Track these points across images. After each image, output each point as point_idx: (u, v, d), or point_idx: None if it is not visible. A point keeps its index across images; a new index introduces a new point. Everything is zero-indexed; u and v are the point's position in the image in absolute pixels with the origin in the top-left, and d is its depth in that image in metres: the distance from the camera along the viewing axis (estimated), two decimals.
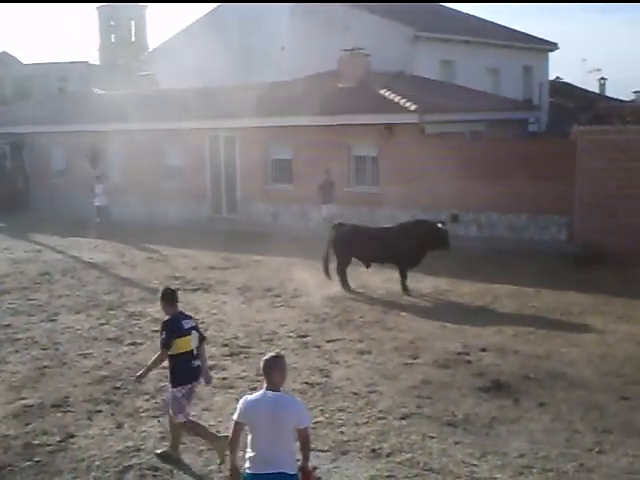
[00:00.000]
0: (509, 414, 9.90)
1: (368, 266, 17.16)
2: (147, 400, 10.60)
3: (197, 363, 8.83)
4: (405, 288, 16.51)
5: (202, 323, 14.29)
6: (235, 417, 6.50)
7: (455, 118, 24.51)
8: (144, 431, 9.61)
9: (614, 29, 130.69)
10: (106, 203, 26.85)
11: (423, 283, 17.02)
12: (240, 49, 32.30)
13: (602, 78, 45.14)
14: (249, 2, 32.76)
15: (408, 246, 16.38)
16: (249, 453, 6.44)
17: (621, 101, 40.99)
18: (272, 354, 6.71)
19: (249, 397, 6.57)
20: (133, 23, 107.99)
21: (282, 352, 11.70)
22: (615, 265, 17.31)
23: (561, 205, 20.51)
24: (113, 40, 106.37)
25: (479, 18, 37.39)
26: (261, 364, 6.55)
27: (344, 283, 16.87)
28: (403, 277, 16.62)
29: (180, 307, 9.13)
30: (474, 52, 31.82)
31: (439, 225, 16.67)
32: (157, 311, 15.10)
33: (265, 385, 6.50)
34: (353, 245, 16.88)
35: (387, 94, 24.47)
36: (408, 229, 16.85)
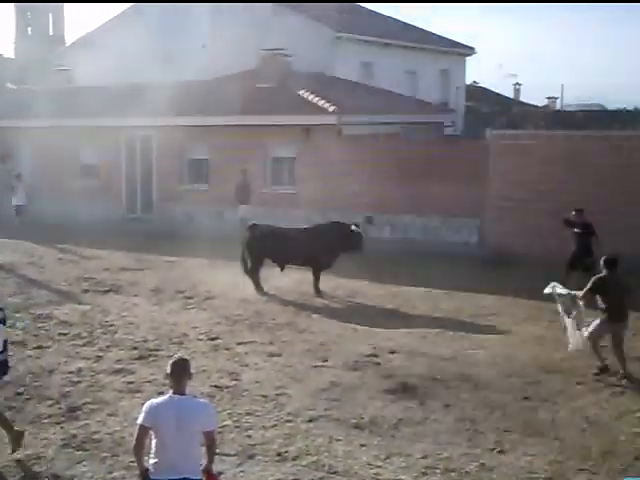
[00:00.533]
0: (415, 416, 10.03)
1: (282, 268, 17.11)
2: (50, 406, 10.37)
3: (3, 357, 8.82)
4: (317, 290, 16.56)
5: (112, 326, 14.17)
6: (139, 421, 6.41)
7: (373, 120, 24.69)
8: (45, 438, 9.39)
9: (531, 36, 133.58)
10: (24, 202, 26.13)
11: (335, 285, 17.10)
12: (160, 46, 31.90)
13: (517, 83, 46.27)
14: (170, 2, 32.39)
15: (321, 248, 16.40)
16: (152, 459, 6.38)
17: (535, 106, 42.01)
18: (178, 357, 6.69)
19: (154, 401, 6.50)
20: (51, 16, 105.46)
21: (191, 355, 11.72)
22: (523, 267, 17.67)
23: (473, 208, 20.85)
24: (30, 33, 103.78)
25: (399, 21, 37.72)
26: (167, 367, 6.50)
27: (257, 285, 16.81)
28: (316, 279, 16.65)
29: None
30: (393, 54, 32.13)
31: (353, 227, 16.75)
32: (65, 313, 14.93)
33: (172, 388, 6.45)
34: (267, 246, 16.78)
35: (306, 95, 24.52)
36: (322, 231, 16.89)
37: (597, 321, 11.56)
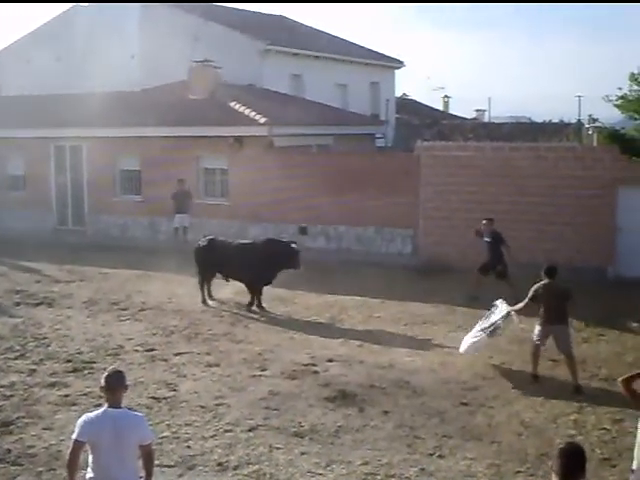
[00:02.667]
0: (354, 423, 10.11)
1: (227, 280, 17.06)
2: None
3: None
4: (259, 305, 16.31)
5: (45, 338, 13.92)
6: (74, 436, 6.28)
7: (304, 132, 24.81)
8: None
9: (460, 50, 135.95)
10: None
11: (271, 295, 17.06)
12: (89, 56, 31.51)
13: (446, 96, 46.90)
14: (98, 2, 32.02)
15: (260, 264, 16.20)
16: (89, 474, 6.28)
17: (463, 119, 42.70)
18: (113, 369, 6.63)
19: (90, 415, 6.40)
20: None
21: (127, 367, 11.60)
22: (457, 276, 17.93)
23: (406, 218, 21.09)
24: None
25: (327, 34, 38.01)
26: (102, 380, 6.41)
27: (202, 296, 16.73)
28: (257, 294, 16.41)
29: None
30: (323, 67, 32.33)
31: (292, 245, 16.68)
32: None
33: (107, 402, 6.35)
34: (211, 259, 16.74)
35: (237, 107, 24.51)
36: (261, 247, 16.71)
37: (537, 328, 11.81)
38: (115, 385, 6.35)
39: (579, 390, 11.34)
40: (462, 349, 12.63)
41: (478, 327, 12.52)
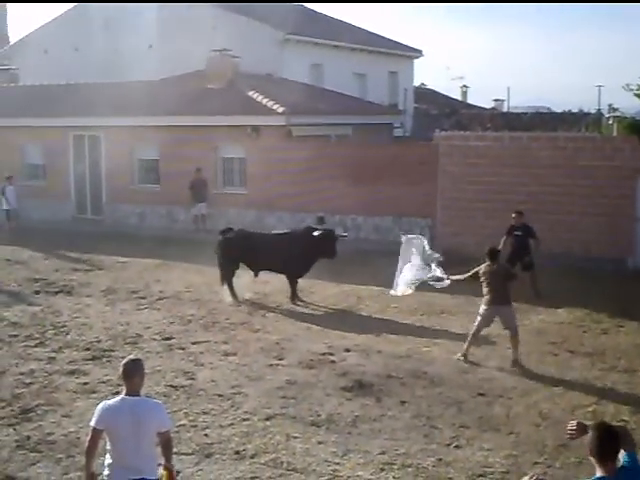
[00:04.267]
0: (371, 413, 10.10)
1: (256, 274, 16.46)
2: (3, 408, 10.20)
3: None
4: (295, 296, 15.99)
5: (64, 327, 13.99)
6: (93, 423, 6.32)
7: (322, 121, 24.76)
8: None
9: (479, 40, 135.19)
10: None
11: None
12: (107, 46, 31.57)
13: (464, 86, 46.72)
14: (114, 2, 32.06)
15: (302, 253, 15.84)
16: (108, 460, 6.33)
17: (482, 108, 42.52)
18: (131, 358, 6.64)
19: (108, 402, 6.43)
20: None
21: (145, 355, 11.66)
22: (475, 266, 17.77)
23: (424, 208, 21.05)
24: None
25: (347, 23, 37.91)
26: (120, 368, 6.43)
27: (231, 291, 15.98)
28: (293, 285, 16.06)
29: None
30: (342, 56, 32.28)
31: (334, 232, 16.44)
32: (15, 315, 14.69)
33: (125, 390, 6.37)
34: (241, 252, 16.05)
35: (255, 96, 24.49)
36: (301, 236, 16.23)
37: (482, 308, 12.23)
38: (133, 373, 6.35)
39: (516, 363, 11.89)
40: (395, 292, 13.32)
41: (410, 268, 13.18)
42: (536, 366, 12.00)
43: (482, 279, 12.24)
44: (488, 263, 12.28)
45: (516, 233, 16.36)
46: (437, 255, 13.24)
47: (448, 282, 12.84)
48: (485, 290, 12.19)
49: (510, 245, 16.27)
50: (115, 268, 19.33)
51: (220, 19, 29.92)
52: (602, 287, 15.76)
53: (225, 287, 16.08)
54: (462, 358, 12.24)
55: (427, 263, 13.11)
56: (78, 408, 10.19)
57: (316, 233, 16.04)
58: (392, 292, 13.50)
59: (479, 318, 12.25)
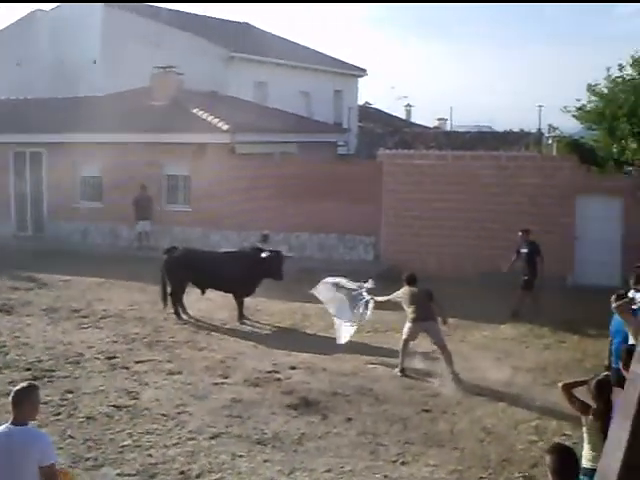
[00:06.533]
0: (317, 430, 10.10)
1: (203, 292, 16.36)
2: None
3: None
4: (241, 316, 15.87)
5: (3, 346, 13.72)
6: None
7: (266, 139, 24.81)
8: None
9: (422, 59, 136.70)
10: None
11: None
12: (51, 61, 31.24)
13: (408, 105, 47.17)
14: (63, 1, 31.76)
15: (249, 273, 15.75)
16: None
17: (426, 127, 43.01)
18: (24, 384, 6.16)
19: None
20: None
21: (88, 374, 11.47)
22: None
23: (368, 226, 21.18)
24: None
25: (292, 42, 38.08)
26: (11, 395, 6.01)
27: (176, 310, 15.89)
28: (240, 305, 15.95)
29: None
30: (287, 75, 32.36)
31: (281, 252, 16.41)
32: None
33: (12, 418, 5.90)
34: (187, 270, 15.85)
35: (199, 113, 24.43)
36: (250, 255, 16.13)
37: (407, 326, 12.60)
38: (20, 400, 5.90)
39: (457, 378, 11.98)
40: (342, 341, 13.38)
41: (343, 312, 13.63)
42: (480, 381, 12.12)
43: (402, 301, 12.69)
44: (405, 289, 12.75)
45: (522, 250, 16.42)
46: (367, 284, 13.65)
47: (372, 305, 13.27)
48: (409, 310, 12.57)
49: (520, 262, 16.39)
50: (57, 286, 19.01)
51: (165, 35, 29.81)
52: (544, 304, 15.99)
53: (169, 305, 16.00)
54: (399, 373, 12.42)
55: (359, 293, 13.53)
56: None
57: (264, 254, 15.95)
58: (338, 342, 13.41)
59: (405, 332, 12.59)
